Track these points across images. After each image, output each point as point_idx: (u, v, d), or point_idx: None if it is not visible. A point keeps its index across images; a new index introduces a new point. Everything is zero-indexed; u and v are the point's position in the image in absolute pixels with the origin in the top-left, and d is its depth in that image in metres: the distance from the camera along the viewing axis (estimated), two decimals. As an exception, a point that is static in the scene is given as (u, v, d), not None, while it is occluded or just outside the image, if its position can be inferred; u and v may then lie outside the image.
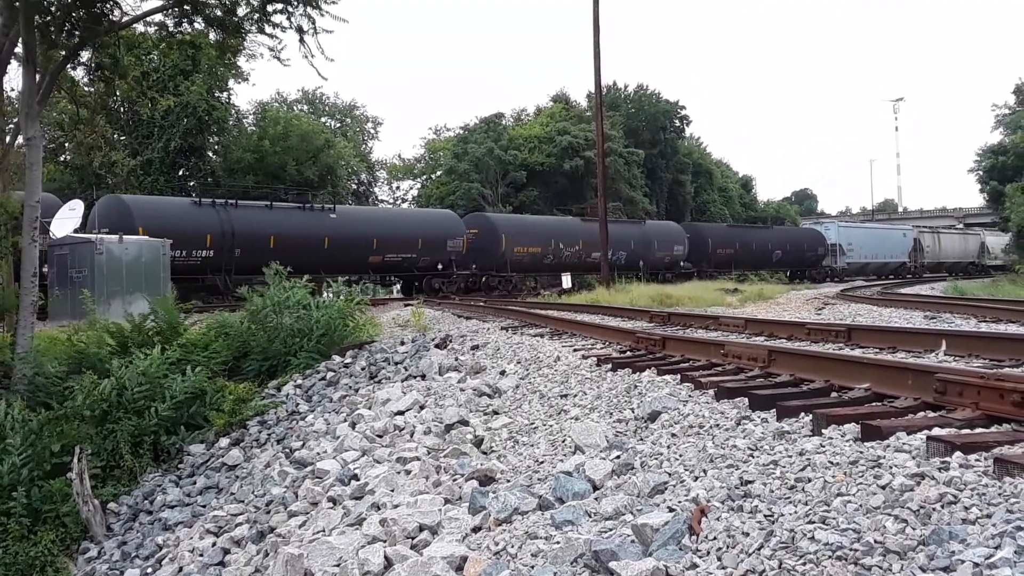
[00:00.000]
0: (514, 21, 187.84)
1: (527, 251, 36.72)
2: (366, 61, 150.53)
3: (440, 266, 32.97)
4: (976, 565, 2.49)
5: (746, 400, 5.30)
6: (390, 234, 31.71)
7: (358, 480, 6.22)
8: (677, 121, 66.61)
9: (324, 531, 5.33)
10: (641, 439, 5.18)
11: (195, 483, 9.32)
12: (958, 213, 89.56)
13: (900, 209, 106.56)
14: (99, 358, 11.48)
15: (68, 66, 14.17)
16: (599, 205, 29.92)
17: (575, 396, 6.91)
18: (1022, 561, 2.46)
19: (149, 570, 7.63)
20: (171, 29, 14.26)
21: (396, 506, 5.04)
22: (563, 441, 5.64)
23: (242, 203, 28.18)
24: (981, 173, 58.90)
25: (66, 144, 38.04)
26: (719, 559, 3.07)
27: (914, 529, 2.85)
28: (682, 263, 43.47)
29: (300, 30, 13.66)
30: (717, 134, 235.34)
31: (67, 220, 23.06)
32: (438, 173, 61.17)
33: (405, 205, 61.91)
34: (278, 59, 14.44)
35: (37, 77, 13.04)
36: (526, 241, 36.84)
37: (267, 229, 27.21)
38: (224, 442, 10.00)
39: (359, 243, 30.31)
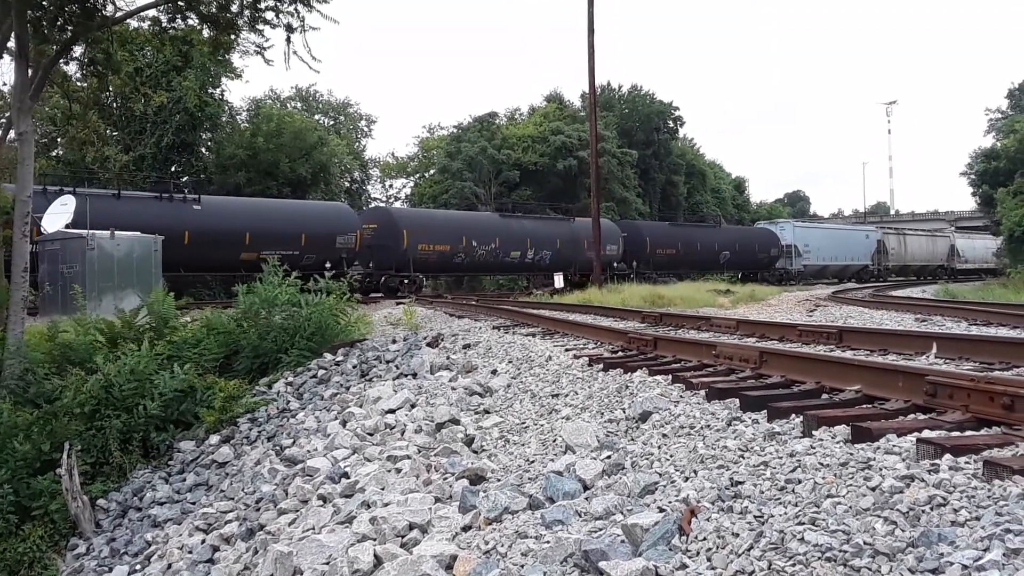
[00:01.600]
0: (508, 20, 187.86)
1: (433, 249, 32.72)
2: (360, 59, 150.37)
3: (328, 264, 28.16)
4: (964, 567, 2.49)
5: (737, 401, 5.31)
6: (266, 228, 28.38)
7: (348, 478, 6.21)
8: (671, 122, 66.69)
9: (314, 529, 5.32)
10: (632, 439, 5.18)
11: (185, 480, 9.29)
12: (950, 216, 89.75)
13: (892, 212, 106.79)
14: (87, 354, 11.44)
15: (61, 61, 14.12)
16: (592, 206, 29.94)
17: (566, 396, 6.91)
18: (1010, 564, 2.47)
19: (138, 567, 7.60)
20: (164, 25, 14.23)
21: (386, 504, 5.03)
22: (554, 441, 5.64)
23: (82, 191, 24.63)
24: (973, 177, 59.12)
25: (59, 139, 38.01)
26: (709, 559, 3.07)
27: (903, 531, 2.86)
28: (616, 264, 39.39)
29: (288, 28, 13.64)
30: (711, 135, 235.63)
31: (58, 215, 22.95)
32: (431, 172, 61.14)
33: (398, 204, 61.86)
34: (263, 56, 14.39)
35: (29, 72, 13.00)
36: (432, 238, 32.79)
37: (111, 221, 22.15)
38: (214, 439, 9.97)
39: (228, 238, 27.17)
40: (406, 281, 32.11)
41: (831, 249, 53.54)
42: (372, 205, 50.87)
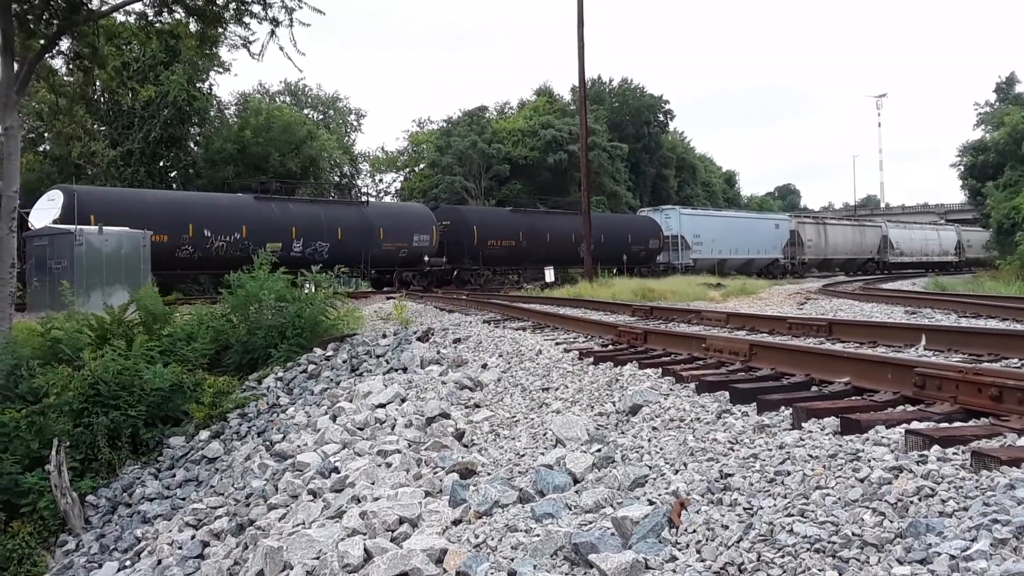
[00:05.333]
0: (498, 14, 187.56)
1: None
2: (349, 53, 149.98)
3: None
4: (952, 557, 2.50)
5: (727, 394, 5.32)
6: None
7: (338, 473, 6.20)
8: (661, 115, 66.68)
9: (304, 524, 5.31)
10: (622, 432, 5.19)
11: (174, 476, 9.28)
12: (939, 210, 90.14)
13: (883, 205, 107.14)
14: (76, 350, 11.38)
15: (47, 55, 14.03)
16: (583, 200, 29.95)
17: (557, 389, 6.91)
18: (998, 554, 2.47)
19: (128, 563, 7.58)
20: (150, 19, 14.15)
21: (376, 499, 5.02)
22: (544, 434, 5.64)
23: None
24: (962, 170, 59.27)
25: (45, 134, 37.74)
26: (698, 552, 3.07)
27: (892, 522, 2.86)
28: (428, 258, 32.49)
29: (274, 21, 13.58)
30: (701, 129, 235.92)
31: (46, 211, 22.81)
32: (421, 166, 61.02)
33: (388, 198, 61.70)
34: (248, 50, 14.32)
35: (15, 66, 12.93)
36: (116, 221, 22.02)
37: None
38: (204, 435, 9.96)
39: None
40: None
41: (730, 241, 46.60)
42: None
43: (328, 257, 26.64)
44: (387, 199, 59.53)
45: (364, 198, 34.89)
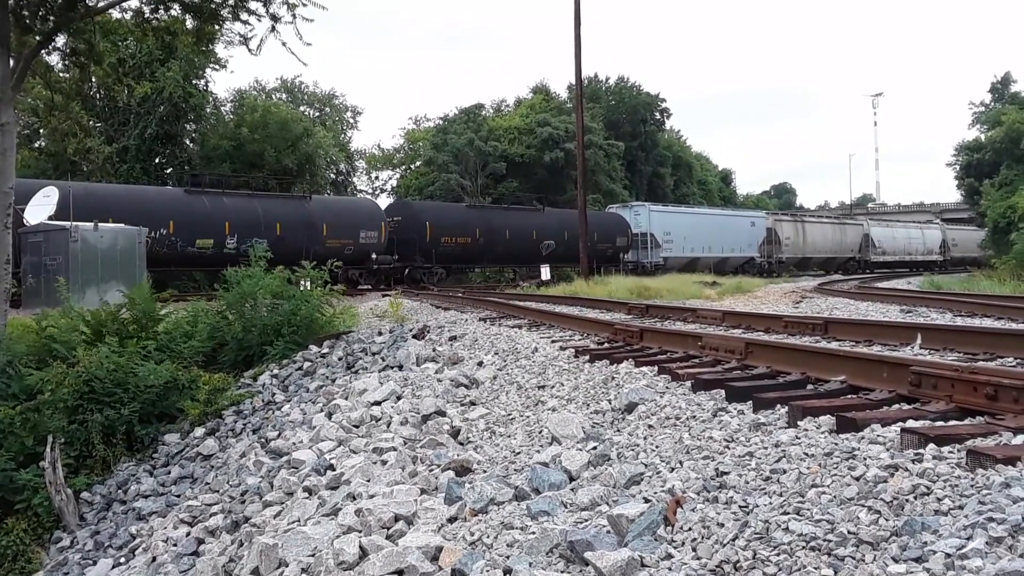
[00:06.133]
0: (494, 11, 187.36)
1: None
2: (346, 51, 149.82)
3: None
4: (948, 556, 2.50)
5: (723, 392, 5.32)
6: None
7: (334, 470, 6.19)
8: (657, 114, 66.72)
9: (299, 521, 5.30)
10: (618, 430, 5.18)
11: (170, 473, 9.26)
12: (935, 209, 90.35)
13: (878, 204, 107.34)
14: (70, 347, 11.35)
15: (43, 51, 13.99)
16: (579, 197, 29.96)
17: (552, 387, 6.91)
18: (993, 552, 2.48)
19: (122, 560, 7.57)
20: (147, 15, 14.11)
21: (372, 496, 5.01)
22: (540, 432, 5.64)
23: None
24: (958, 169, 59.38)
25: (41, 130, 37.62)
26: (694, 550, 3.07)
27: (887, 520, 2.87)
28: (376, 256, 30.88)
29: (275, 18, 13.55)
30: (698, 128, 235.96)
31: (41, 207, 22.76)
32: (417, 163, 60.96)
33: (383, 196, 61.69)
34: (246, 46, 14.27)
35: (11, 62, 12.88)
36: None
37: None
38: (199, 432, 9.94)
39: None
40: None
41: (702, 238, 44.87)
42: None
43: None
44: (382, 197, 59.51)
45: (308, 194, 32.20)
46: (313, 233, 28.86)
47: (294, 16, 13.60)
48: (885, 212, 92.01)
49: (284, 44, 13.73)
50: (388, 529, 4.45)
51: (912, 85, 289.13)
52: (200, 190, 27.48)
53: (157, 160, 39.97)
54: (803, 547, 2.80)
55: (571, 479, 4.42)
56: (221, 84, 71.31)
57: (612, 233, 40.45)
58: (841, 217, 67.39)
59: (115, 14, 14.85)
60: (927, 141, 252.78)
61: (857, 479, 3.25)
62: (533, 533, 3.64)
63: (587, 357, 7.74)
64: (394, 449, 6.14)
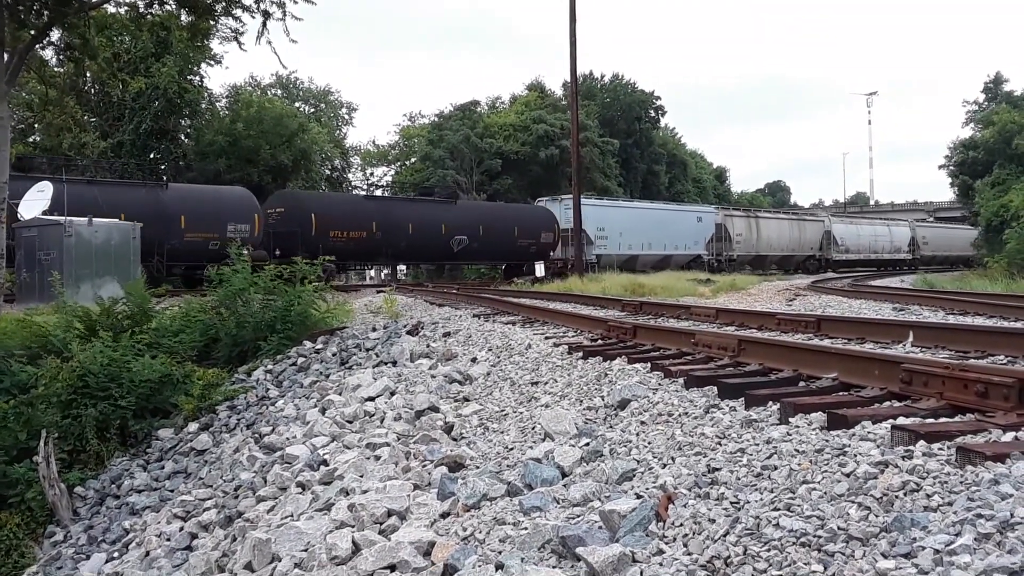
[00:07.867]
0: (490, 7, 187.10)
1: None
2: (341, 46, 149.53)
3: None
4: (937, 552, 2.52)
5: (715, 389, 5.33)
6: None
7: (327, 465, 6.21)
8: (652, 111, 66.89)
9: (292, 516, 5.32)
10: (610, 427, 5.20)
11: (163, 468, 9.26)
12: (929, 207, 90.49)
13: (872, 202, 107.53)
14: (64, 342, 11.34)
15: (37, 46, 13.96)
16: (574, 194, 29.97)
17: (546, 383, 6.92)
18: (982, 548, 2.49)
19: (116, 554, 7.58)
20: (141, 10, 14.10)
21: (365, 491, 5.03)
22: (533, 428, 5.65)
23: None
24: (952, 168, 59.48)
25: (35, 125, 37.56)
26: (685, 545, 3.08)
27: (877, 516, 2.89)
28: (248, 250, 25.19)
29: (266, 14, 13.54)
30: (693, 126, 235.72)
31: (35, 202, 22.68)
32: (412, 160, 60.96)
33: (378, 192, 61.60)
34: (238, 42, 14.27)
35: (5, 57, 12.84)
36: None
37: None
38: (193, 427, 9.94)
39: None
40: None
41: (642, 235, 41.88)
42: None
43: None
44: (378, 192, 59.39)
45: (165, 183, 28.71)
46: (169, 226, 25.92)
47: (284, 14, 13.60)
48: (879, 210, 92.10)
49: (270, 43, 13.75)
50: (381, 524, 4.46)
51: (907, 83, 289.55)
52: (25, 175, 23.16)
53: (152, 155, 39.90)
54: (793, 543, 2.82)
55: (563, 475, 4.44)
56: (216, 80, 71.30)
57: (536, 229, 37.49)
58: (800, 214, 63.98)
59: (110, 9, 14.85)
60: (922, 139, 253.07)
61: (847, 475, 3.27)
62: (525, 528, 3.66)
63: (580, 354, 7.75)
64: (387, 445, 6.16)
